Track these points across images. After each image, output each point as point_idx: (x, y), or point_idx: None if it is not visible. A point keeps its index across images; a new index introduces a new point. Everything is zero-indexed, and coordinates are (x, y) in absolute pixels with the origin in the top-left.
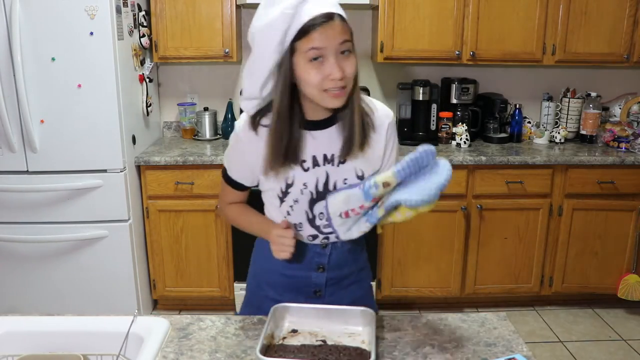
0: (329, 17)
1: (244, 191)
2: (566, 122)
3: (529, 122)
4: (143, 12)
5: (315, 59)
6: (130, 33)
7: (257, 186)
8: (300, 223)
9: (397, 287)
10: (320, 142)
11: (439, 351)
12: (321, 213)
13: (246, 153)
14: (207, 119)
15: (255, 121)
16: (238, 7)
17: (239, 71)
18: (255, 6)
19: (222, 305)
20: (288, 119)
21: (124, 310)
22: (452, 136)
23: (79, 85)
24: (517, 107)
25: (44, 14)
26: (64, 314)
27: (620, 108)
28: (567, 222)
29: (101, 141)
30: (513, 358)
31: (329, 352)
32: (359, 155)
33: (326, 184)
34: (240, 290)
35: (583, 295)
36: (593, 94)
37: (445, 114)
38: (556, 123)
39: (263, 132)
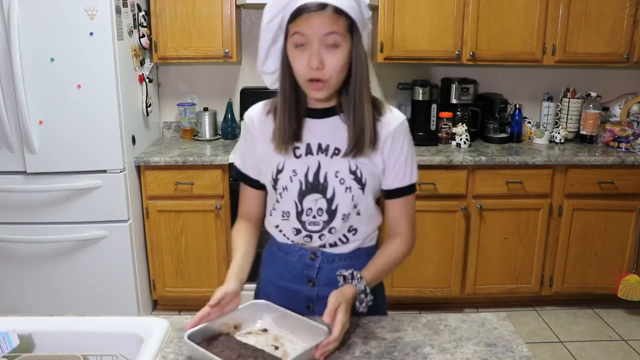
0: (321, 6)
1: (254, 188)
2: (566, 122)
3: (529, 122)
4: (143, 13)
5: (301, 45)
6: (130, 33)
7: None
8: (288, 212)
9: (397, 287)
10: (317, 131)
11: (439, 351)
12: (309, 209)
13: (254, 138)
14: (206, 119)
15: (265, 107)
16: (238, 7)
17: (238, 71)
18: (254, 6)
19: None
20: (291, 100)
21: (124, 310)
22: (452, 136)
23: (79, 86)
24: (517, 107)
25: (43, 14)
26: (64, 314)
27: (620, 108)
28: (567, 222)
29: (101, 141)
30: None
31: (253, 357)
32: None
33: (317, 174)
34: None
35: (583, 295)
36: (593, 94)
37: (445, 114)
38: (556, 123)
39: (271, 117)
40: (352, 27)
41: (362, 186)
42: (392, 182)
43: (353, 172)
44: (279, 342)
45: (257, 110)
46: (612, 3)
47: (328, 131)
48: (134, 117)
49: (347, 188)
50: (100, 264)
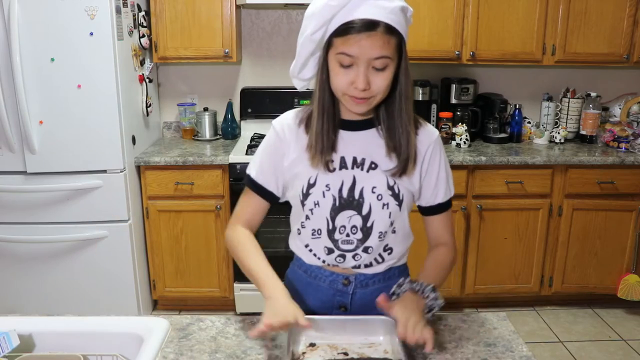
0: (371, 26)
1: (265, 200)
2: (566, 122)
3: (529, 122)
4: (143, 13)
5: (346, 65)
6: (130, 33)
7: (277, 202)
8: (319, 229)
9: None
10: (352, 144)
11: (439, 351)
12: (342, 226)
13: (282, 149)
14: (206, 120)
15: (297, 116)
16: (238, 7)
17: (238, 71)
18: (255, 6)
19: (222, 305)
20: (329, 110)
21: (124, 310)
22: (452, 136)
23: (79, 86)
24: (517, 107)
25: (43, 14)
26: (64, 314)
27: (620, 108)
28: (567, 222)
29: (101, 142)
30: None
31: None
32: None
33: (352, 189)
34: (240, 291)
35: (583, 295)
36: (593, 94)
37: (445, 114)
38: (556, 123)
39: (302, 128)
40: (400, 45)
41: (400, 203)
42: (435, 198)
43: (391, 188)
44: (339, 350)
45: (289, 119)
46: (612, 3)
47: (363, 144)
48: (134, 117)
49: (384, 205)
50: (101, 264)
